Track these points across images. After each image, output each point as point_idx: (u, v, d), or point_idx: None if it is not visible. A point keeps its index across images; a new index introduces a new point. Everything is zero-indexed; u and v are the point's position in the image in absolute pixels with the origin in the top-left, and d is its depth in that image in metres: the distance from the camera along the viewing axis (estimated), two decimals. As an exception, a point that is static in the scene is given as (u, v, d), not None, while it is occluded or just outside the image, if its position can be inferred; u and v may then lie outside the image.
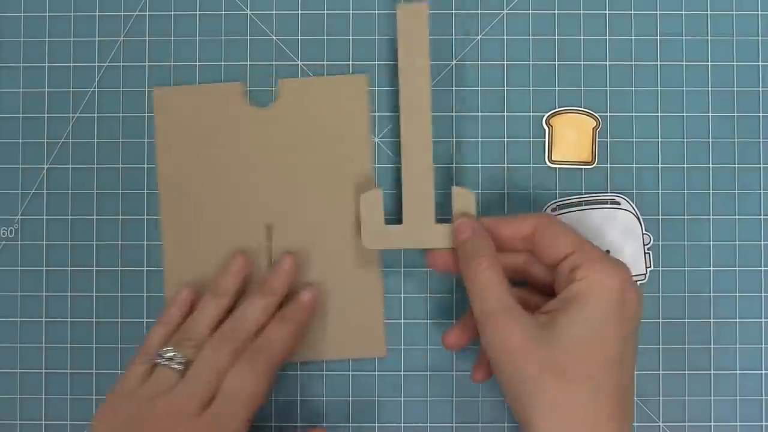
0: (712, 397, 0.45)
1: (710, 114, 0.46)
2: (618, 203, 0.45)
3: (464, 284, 0.40)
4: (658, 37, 0.46)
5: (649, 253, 0.45)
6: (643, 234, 0.45)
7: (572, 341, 0.36)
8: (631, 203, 0.45)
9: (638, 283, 0.45)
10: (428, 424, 0.45)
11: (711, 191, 0.46)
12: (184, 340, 0.41)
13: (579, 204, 0.45)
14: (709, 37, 0.46)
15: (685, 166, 0.46)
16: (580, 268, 0.37)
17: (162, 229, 0.45)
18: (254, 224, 0.45)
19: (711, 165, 0.46)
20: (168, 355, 0.40)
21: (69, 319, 0.45)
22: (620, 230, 0.45)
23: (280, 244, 0.45)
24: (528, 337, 0.36)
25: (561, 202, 0.45)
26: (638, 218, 0.45)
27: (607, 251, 0.44)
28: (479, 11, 0.46)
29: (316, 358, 0.45)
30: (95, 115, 0.46)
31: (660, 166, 0.46)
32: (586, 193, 0.45)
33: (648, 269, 0.45)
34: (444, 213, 0.44)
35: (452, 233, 0.41)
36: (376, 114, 0.46)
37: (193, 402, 0.38)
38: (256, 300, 0.42)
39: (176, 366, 0.39)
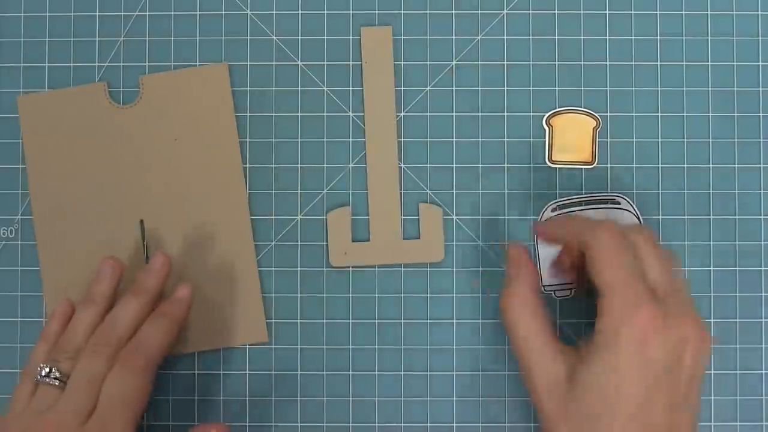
0: (712, 397, 0.45)
1: (710, 114, 0.46)
2: (618, 203, 0.45)
3: None
4: (658, 37, 0.46)
5: None
6: None
7: (588, 394, 0.36)
8: (632, 203, 0.45)
9: None
10: (428, 424, 0.45)
11: (711, 191, 0.46)
12: (61, 353, 0.40)
13: (579, 204, 0.45)
14: (709, 37, 0.46)
15: (685, 166, 0.46)
16: (602, 318, 0.36)
17: (36, 234, 0.45)
18: (128, 222, 0.45)
19: (711, 165, 0.46)
20: (44, 372, 0.39)
21: (69, 319, 0.45)
22: None
23: (154, 240, 0.45)
24: (549, 383, 0.37)
25: (561, 202, 0.45)
26: (638, 218, 0.45)
27: None
28: (479, 11, 0.46)
29: (199, 349, 0.45)
30: (95, 115, 0.46)
31: (660, 166, 0.46)
32: (586, 193, 0.45)
33: None
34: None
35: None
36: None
37: (74, 416, 0.38)
38: (128, 300, 0.41)
39: (54, 382, 0.39)
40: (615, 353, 0.36)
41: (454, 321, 0.45)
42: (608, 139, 0.46)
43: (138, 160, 0.45)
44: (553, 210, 0.45)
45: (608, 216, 0.45)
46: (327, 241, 0.45)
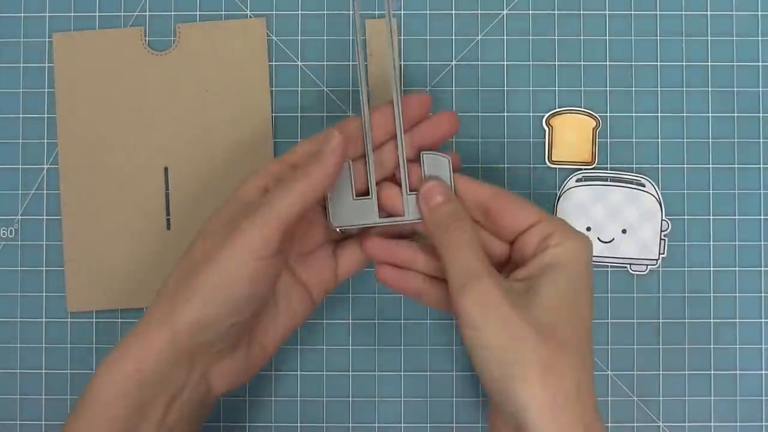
0: (712, 397, 0.45)
1: (710, 114, 0.46)
2: (643, 185, 0.45)
3: (439, 251, 0.37)
4: (658, 37, 0.46)
5: (664, 239, 0.45)
6: (662, 220, 0.45)
7: (556, 305, 0.36)
8: (656, 187, 0.45)
9: (649, 269, 0.45)
10: (428, 425, 0.45)
11: (711, 191, 0.46)
12: None
13: (605, 179, 0.45)
14: (709, 37, 0.46)
15: (685, 166, 0.46)
16: (554, 235, 0.37)
17: (60, 176, 0.45)
18: (152, 169, 0.45)
19: (711, 165, 0.46)
20: None
21: (69, 319, 0.45)
22: (640, 211, 0.45)
23: (177, 187, 0.45)
24: (513, 300, 0.35)
25: (588, 174, 0.45)
26: (660, 204, 0.45)
27: (624, 230, 0.45)
28: (479, 11, 0.46)
29: None
30: (95, 115, 0.46)
31: (660, 166, 0.46)
32: (612, 169, 0.45)
33: (661, 256, 0.45)
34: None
35: (420, 200, 0.39)
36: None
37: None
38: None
39: None
40: (575, 269, 0.36)
41: (454, 321, 0.45)
42: (608, 139, 0.46)
43: (167, 107, 0.45)
44: (578, 180, 0.45)
45: (631, 195, 0.45)
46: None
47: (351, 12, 0.40)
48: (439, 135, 0.40)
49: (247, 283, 0.36)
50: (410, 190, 0.40)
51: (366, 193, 0.40)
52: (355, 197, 0.40)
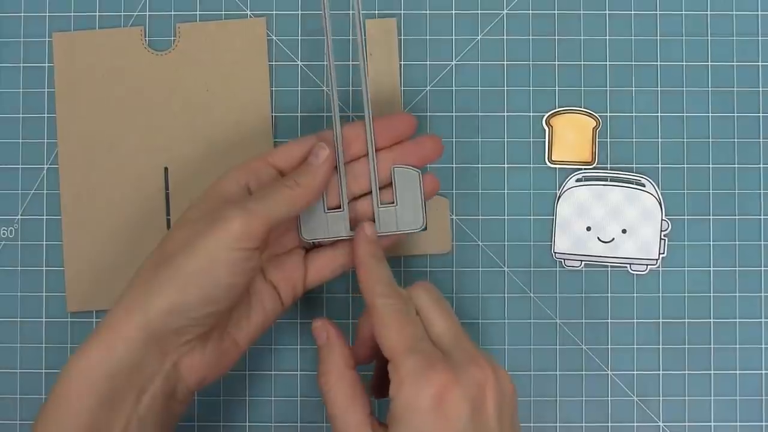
0: (712, 397, 0.45)
1: (710, 114, 0.46)
2: (643, 185, 0.45)
3: None
4: (658, 37, 0.46)
5: (664, 239, 0.45)
6: (662, 220, 0.45)
7: None
8: (656, 187, 0.45)
9: (648, 268, 0.45)
10: (428, 424, 0.45)
11: (711, 191, 0.46)
12: None
13: (605, 179, 0.45)
14: (709, 37, 0.46)
15: (686, 166, 0.46)
16: (392, 384, 0.35)
17: (60, 177, 0.45)
18: (152, 169, 0.45)
19: (711, 165, 0.46)
20: None
21: (69, 319, 0.45)
22: (640, 211, 0.45)
23: (177, 187, 0.45)
24: None
25: (588, 174, 0.45)
26: (660, 204, 0.45)
27: (624, 230, 0.45)
28: (479, 11, 0.46)
29: None
30: (95, 115, 0.46)
31: (660, 166, 0.46)
32: (613, 169, 0.45)
33: (661, 256, 0.45)
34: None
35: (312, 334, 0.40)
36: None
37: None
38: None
39: None
40: (414, 422, 0.34)
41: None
42: (608, 139, 0.46)
43: (167, 107, 0.45)
44: (578, 180, 0.45)
45: (631, 195, 0.45)
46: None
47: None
48: (420, 156, 0.41)
49: (226, 271, 0.36)
50: (382, 203, 0.41)
51: (338, 206, 0.41)
52: (326, 210, 0.41)
